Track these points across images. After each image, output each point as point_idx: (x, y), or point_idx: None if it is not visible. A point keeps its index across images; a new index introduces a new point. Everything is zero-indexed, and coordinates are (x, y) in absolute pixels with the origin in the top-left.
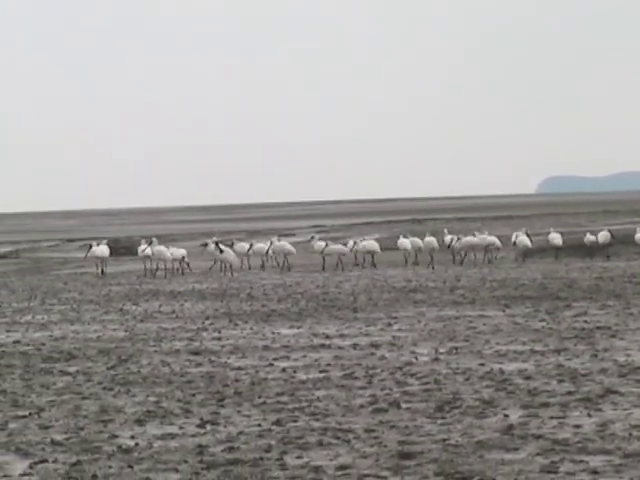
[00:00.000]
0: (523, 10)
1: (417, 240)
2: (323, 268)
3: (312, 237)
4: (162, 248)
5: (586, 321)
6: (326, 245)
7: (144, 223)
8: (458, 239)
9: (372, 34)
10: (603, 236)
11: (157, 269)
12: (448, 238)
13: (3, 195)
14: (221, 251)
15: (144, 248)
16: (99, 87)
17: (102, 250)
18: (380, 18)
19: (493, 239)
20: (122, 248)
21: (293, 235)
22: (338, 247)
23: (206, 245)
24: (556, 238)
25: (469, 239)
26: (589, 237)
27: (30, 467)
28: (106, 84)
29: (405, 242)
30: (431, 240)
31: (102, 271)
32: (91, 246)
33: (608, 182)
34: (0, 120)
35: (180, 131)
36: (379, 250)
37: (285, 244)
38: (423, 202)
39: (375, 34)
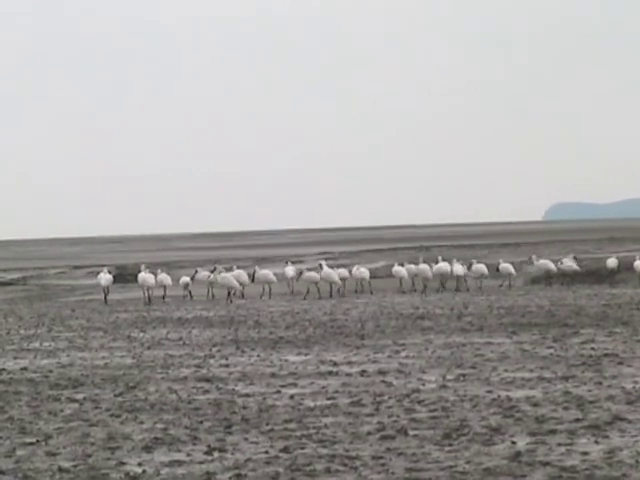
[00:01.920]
0: (528, 30)
1: (413, 267)
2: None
3: (320, 265)
4: (145, 275)
5: (593, 348)
6: (300, 273)
7: (151, 250)
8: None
9: (372, 56)
10: (612, 262)
11: (148, 296)
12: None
13: (11, 222)
14: (208, 276)
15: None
16: (102, 115)
17: (106, 278)
18: (382, 38)
19: (452, 268)
20: (129, 275)
21: (301, 262)
22: (311, 275)
23: (196, 272)
24: (509, 268)
25: (422, 267)
26: (562, 263)
27: None
28: (109, 110)
29: (400, 270)
30: (424, 268)
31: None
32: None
33: (616, 208)
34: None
35: (184, 157)
36: (338, 281)
37: (268, 273)
38: (430, 229)
39: (376, 56)
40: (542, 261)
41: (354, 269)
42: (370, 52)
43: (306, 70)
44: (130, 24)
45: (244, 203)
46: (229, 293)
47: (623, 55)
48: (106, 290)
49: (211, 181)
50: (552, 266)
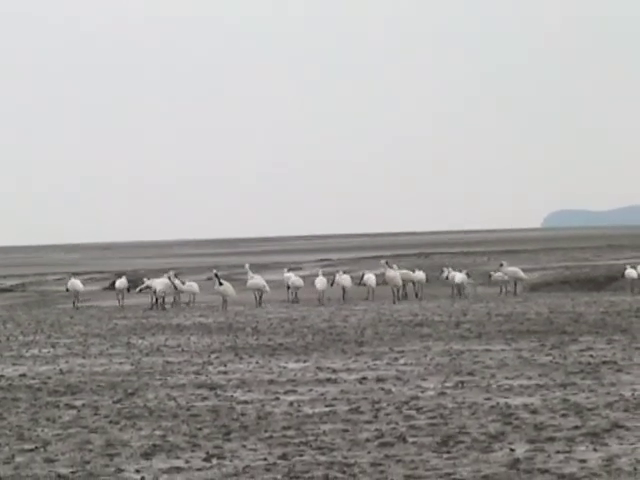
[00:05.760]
0: (524, 42)
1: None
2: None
3: (319, 273)
4: (157, 280)
5: (592, 356)
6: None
7: (150, 257)
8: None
9: (372, 63)
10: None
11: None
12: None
13: (10, 229)
14: (221, 284)
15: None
16: (105, 121)
17: (76, 284)
18: (382, 46)
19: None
20: (128, 282)
21: (300, 269)
22: (256, 281)
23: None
24: (370, 279)
25: (391, 274)
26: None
27: None
28: (109, 116)
29: (371, 278)
30: (370, 276)
31: (77, 304)
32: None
33: (615, 216)
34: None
35: (183, 163)
36: (268, 290)
37: (227, 287)
38: (430, 236)
39: (376, 64)
40: (511, 268)
41: (337, 276)
42: (370, 59)
43: (306, 77)
44: (127, 23)
45: (244, 210)
46: (225, 301)
47: (622, 65)
48: (121, 294)
49: (210, 188)
50: (522, 274)
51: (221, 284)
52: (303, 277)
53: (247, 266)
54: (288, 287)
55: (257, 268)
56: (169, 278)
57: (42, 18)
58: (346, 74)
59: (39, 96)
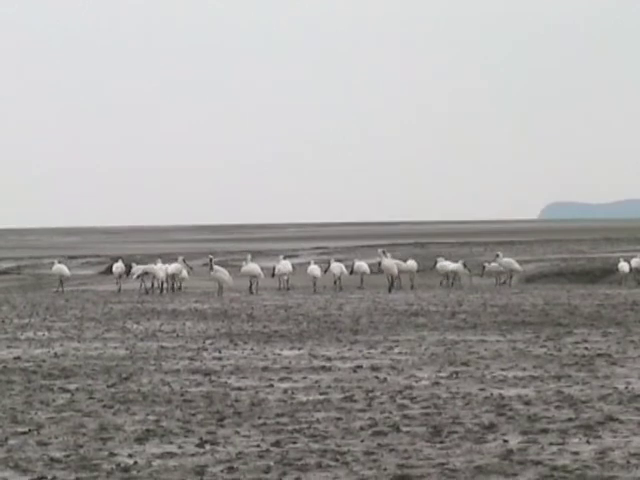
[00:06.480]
0: (523, 34)
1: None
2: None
3: (310, 262)
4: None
5: (587, 348)
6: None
7: (146, 242)
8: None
9: (374, 63)
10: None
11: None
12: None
13: (8, 211)
14: (211, 268)
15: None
16: (99, 108)
17: (61, 268)
18: (380, 36)
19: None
20: (125, 266)
21: (296, 256)
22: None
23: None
24: (361, 266)
25: (387, 263)
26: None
27: None
28: (107, 105)
29: (362, 265)
30: (361, 264)
31: (62, 288)
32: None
33: (613, 209)
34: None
35: (183, 152)
36: (261, 275)
37: (223, 274)
38: (427, 226)
39: (379, 53)
40: (506, 260)
41: (331, 264)
42: (370, 59)
43: (306, 76)
44: (127, 22)
45: (243, 196)
46: (220, 287)
47: (621, 59)
48: (119, 279)
49: (209, 173)
50: (517, 265)
51: (212, 269)
52: (298, 265)
53: (249, 257)
54: (273, 274)
55: (253, 255)
56: (184, 261)
57: (42, 17)
58: (346, 74)
59: (39, 95)
